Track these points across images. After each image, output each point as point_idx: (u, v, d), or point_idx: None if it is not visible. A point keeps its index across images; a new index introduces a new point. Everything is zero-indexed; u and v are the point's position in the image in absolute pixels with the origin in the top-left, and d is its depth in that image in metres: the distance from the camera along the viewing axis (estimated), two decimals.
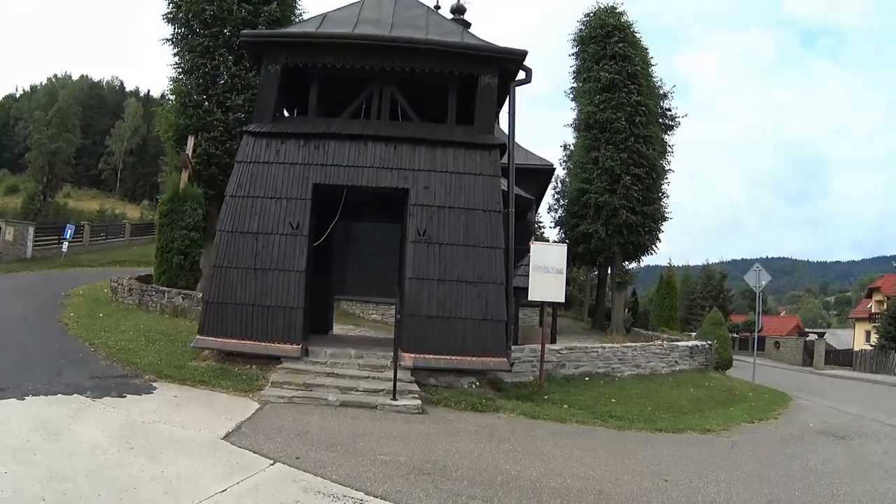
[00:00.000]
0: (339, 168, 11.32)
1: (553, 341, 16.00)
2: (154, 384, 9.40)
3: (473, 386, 10.77)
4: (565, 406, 10.83)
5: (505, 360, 10.74)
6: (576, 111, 32.64)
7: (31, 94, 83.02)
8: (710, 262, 78.11)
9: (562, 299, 12.22)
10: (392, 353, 10.45)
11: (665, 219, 30.42)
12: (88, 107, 76.35)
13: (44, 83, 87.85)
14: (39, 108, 62.56)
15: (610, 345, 14.16)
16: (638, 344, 15.00)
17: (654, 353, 15.24)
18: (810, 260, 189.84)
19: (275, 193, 11.22)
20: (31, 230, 30.66)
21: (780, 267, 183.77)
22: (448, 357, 10.51)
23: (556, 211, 35.52)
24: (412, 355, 10.46)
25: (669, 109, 33.77)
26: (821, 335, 52.76)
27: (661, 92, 32.85)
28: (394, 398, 9.45)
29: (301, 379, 9.97)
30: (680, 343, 16.53)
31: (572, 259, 33.47)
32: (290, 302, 10.77)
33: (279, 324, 10.69)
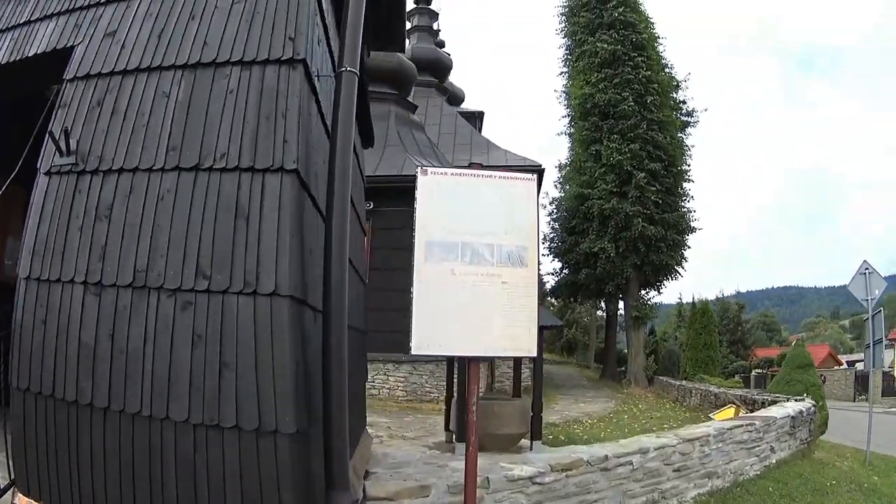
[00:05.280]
0: None
1: (534, 434, 7.13)
2: None
3: None
4: None
5: None
6: (567, 102, 25.27)
7: None
8: (725, 295, 69.64)
9: (532, 352, 3.69)
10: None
11: (692, 229, 22.33)
12: None
13: None
14: None
15: (657, 442, 6.09)
16: (710, 429, 6.92)
17: (737, 441, 7.24)
18: (817, 286, 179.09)
19: None
20: None
21: (787, 296, 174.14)
22: None
23: (550, 240, 25.06)
24: None
25: (685, 102, 25.58)
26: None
27: (674, 80, 24.09)
28: None
29: None
30: (776, 414, 8.45)
31: (572, 291, 24.79)
32: None
33: None
